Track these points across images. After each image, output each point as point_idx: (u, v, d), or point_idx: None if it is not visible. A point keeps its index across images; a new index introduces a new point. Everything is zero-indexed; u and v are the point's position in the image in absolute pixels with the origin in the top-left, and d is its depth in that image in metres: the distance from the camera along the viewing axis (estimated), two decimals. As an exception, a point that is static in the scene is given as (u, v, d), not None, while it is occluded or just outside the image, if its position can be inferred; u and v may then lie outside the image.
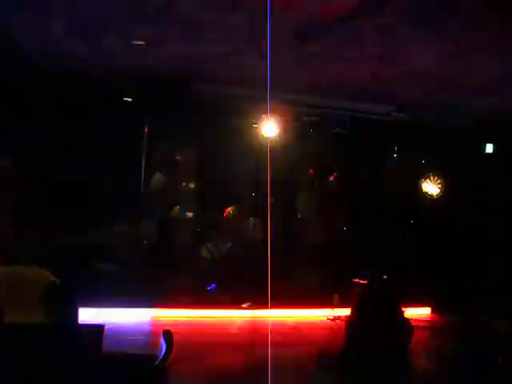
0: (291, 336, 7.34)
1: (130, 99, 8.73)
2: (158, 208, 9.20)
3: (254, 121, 9.23)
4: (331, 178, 10.25)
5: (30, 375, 3.01)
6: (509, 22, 5.12)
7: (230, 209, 9.69)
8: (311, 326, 7.82)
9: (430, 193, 9.96)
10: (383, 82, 7.90)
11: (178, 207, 9.24)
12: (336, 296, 8.45)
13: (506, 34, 5.56)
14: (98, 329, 3.32)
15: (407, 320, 2.33)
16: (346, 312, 7.49)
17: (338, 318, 8.01)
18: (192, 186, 9.42)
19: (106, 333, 3.33)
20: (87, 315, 6.16)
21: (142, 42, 6.49)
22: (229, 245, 9.60)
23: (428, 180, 10.00)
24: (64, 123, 8.13)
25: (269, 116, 9.09)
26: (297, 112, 9.28)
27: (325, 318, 8.16)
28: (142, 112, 8.80)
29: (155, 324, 7.27)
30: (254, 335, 7.32)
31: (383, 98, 8.96)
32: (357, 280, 9.12)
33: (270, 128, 9.12)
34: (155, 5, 5.29)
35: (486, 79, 7.36)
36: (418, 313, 8.53)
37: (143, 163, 8.91)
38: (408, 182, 10.21)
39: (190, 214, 9.52)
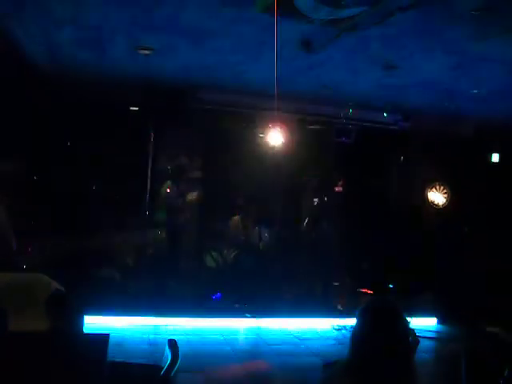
0: (296, 345, 7.31)
1: (136, 108, 8.76)
2: (163, 215, 9.21)
3: (260, 130, 9.24)
4: (337, 188, 10.25)
5: (34, 383, 3.00)
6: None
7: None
8: (317, 336, 7.79)
9: (435, 202, 9.93)
10: (389, 92, 7.91)
11: (169, 182, 9.13)
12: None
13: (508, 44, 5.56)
14: (103, 338, 3.31)
15: (412, 330, 2.32)
16: (351, 322, 7.47)
17: (344, 327, 7.97)
18: (197, 193, 9.42)
19: (110, 342, 3.33)
20: (91, 323, 6.15)
21: (147, 52, 6.52)
22: (234, 253, 9.59)
23: (434, 189, 9.97)
24: (69, 131, 8.17)
25: (274, 125, 9.10)
26: (302, 121, 9.28)
27: (331, 328, 8.13)
28: (148, 121, 8.84)
29: (160, 333, 7.26)
30: (259, 344, 7.30)
31: (388, 108, 8.96)
32: (363, 290, 9.10)
33: (275, 137, 9.13)
34: (161, 13, 5.31)
35: (489, 89, 7.37)
36: (423, 323, 8.48)
37: (149, 171, 8.93)
38: (414, 191, 10.20)
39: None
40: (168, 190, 9.11)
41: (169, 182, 9.15)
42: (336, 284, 9.63)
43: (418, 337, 2.38)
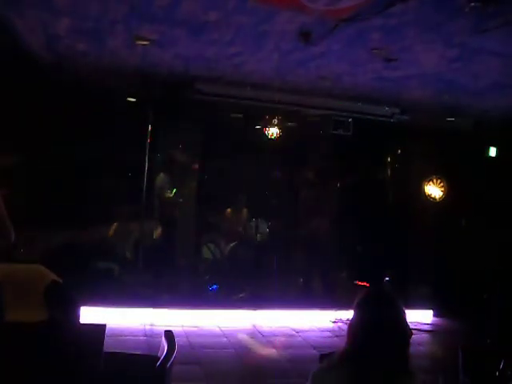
0: (293, 338, 7.33)
1: (133, 99, 8.74)
2: (160, 207, 9.20)
3: (258, 121, 9.23)
4: (334, 179, 10.26)
5: (31, 373, 3.00)
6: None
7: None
8: (313, 328, 7.80)
9: (432, 195, 9.94)
10: (387, 84, 7.89)
11: (166, 173, 9.19)
12: None
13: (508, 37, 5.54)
14: (100, 328, 3.32)
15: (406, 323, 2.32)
16: (348, 314, 7.48)
17: (341, 320, 7.98)
18: (195, 185, 9.41)
19: (107, 333, 3.33)
20: (88, 315, 6.15)
21: (145, 42, 6.49)
22: (231, 245, 9.60)
23: (431, 182, 9.98)
24: (66, 122, 8.13)
25: (272, 117, 9.09)
26: (299, 113, 9.26)
27: (327, 320, 8.14)
28: (146, 112, 8.80)
29: (156, 324, 7.26)
30: (256, 337, 7.32)
31: (386, 100, 8.94)
32: (359, 282, 9.12)
33: (273, 129, 9.13)
34: (160, 4, 5.28)
35: (488, 82, 7.35)
36: (419, 316, 8.51)
37: (146, 162, 8.91)
38: (411, 184, 10.21)
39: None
40: (165, 182, 9.11)
41: (166, 174, 9.15)
42: (333, 276, 9.65)
43: (410, 329, 2.37)
